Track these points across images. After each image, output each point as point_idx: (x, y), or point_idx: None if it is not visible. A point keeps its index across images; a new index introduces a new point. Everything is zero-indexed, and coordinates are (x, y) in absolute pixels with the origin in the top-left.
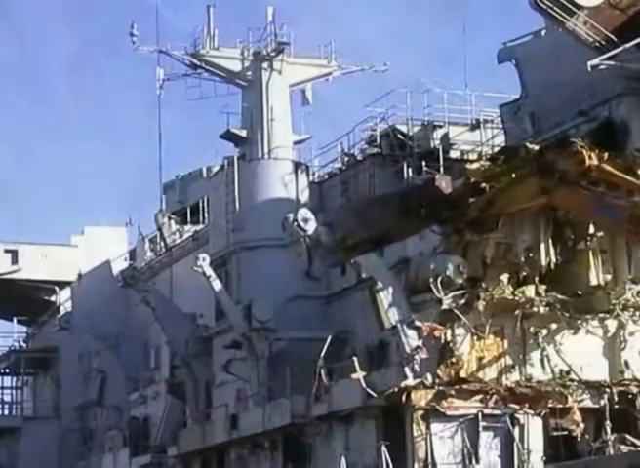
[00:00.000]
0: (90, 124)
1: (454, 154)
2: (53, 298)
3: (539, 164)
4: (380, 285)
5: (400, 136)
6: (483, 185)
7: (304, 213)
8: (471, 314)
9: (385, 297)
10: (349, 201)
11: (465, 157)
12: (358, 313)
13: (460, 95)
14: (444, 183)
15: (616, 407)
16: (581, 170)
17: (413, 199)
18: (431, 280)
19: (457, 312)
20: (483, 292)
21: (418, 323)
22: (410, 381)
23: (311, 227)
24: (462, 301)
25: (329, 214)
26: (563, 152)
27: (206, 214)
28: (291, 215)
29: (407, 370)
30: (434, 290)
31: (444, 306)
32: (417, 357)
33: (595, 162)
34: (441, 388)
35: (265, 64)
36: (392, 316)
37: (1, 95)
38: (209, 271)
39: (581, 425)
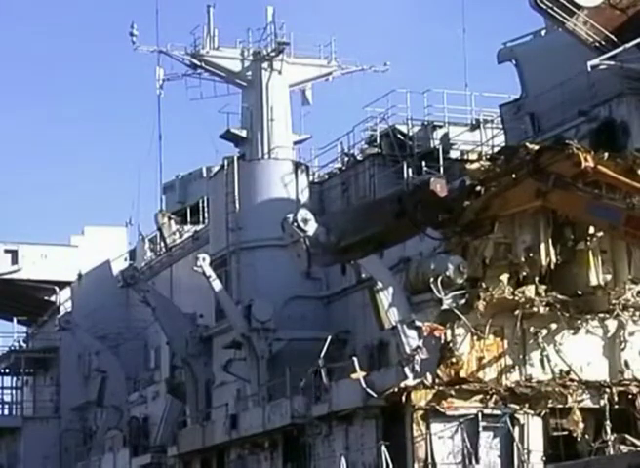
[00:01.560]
0: (90, 124)
1: (454, 154)
2: (53, 298)
3: (534, 166)
4: (379, 285)
5: (400, 136)
6: (478, 189)
7: (304, 213)
8: (471, 314)
9: (385, 297)
10: (347, 204)
11: (465, 157)
12: (358, 313)
13: (460, 95)
14: (439, 187)
15: (616, 407)
16: (577, 172)
17: (408, 202)
18: (432, 280)
19: (457, 312)
20: (483, 292)
21: (418, 323)
22: (410, 381)
23: (311, 228)
24: (462, 301)
25: (326, 215)
26: (558, 154)
27: (206, 214)
28: (290, 216)
29: (407, 370)
30: (434, 290)
31: (444, 306)
32: (417, 357)
33: (591, 164)
34: (441, 388)
35: (265, 64)
36: (392, 316)
37: (3, 93)
38: (209, 271)
39: (581, 425)
